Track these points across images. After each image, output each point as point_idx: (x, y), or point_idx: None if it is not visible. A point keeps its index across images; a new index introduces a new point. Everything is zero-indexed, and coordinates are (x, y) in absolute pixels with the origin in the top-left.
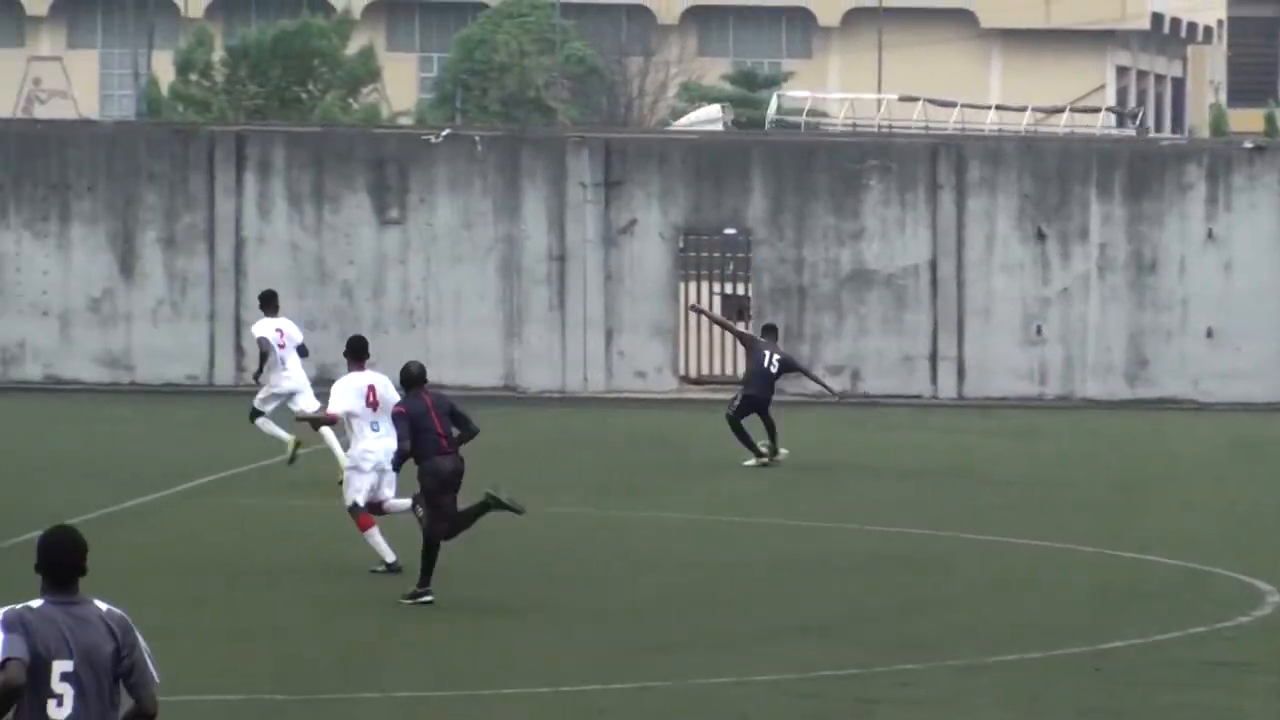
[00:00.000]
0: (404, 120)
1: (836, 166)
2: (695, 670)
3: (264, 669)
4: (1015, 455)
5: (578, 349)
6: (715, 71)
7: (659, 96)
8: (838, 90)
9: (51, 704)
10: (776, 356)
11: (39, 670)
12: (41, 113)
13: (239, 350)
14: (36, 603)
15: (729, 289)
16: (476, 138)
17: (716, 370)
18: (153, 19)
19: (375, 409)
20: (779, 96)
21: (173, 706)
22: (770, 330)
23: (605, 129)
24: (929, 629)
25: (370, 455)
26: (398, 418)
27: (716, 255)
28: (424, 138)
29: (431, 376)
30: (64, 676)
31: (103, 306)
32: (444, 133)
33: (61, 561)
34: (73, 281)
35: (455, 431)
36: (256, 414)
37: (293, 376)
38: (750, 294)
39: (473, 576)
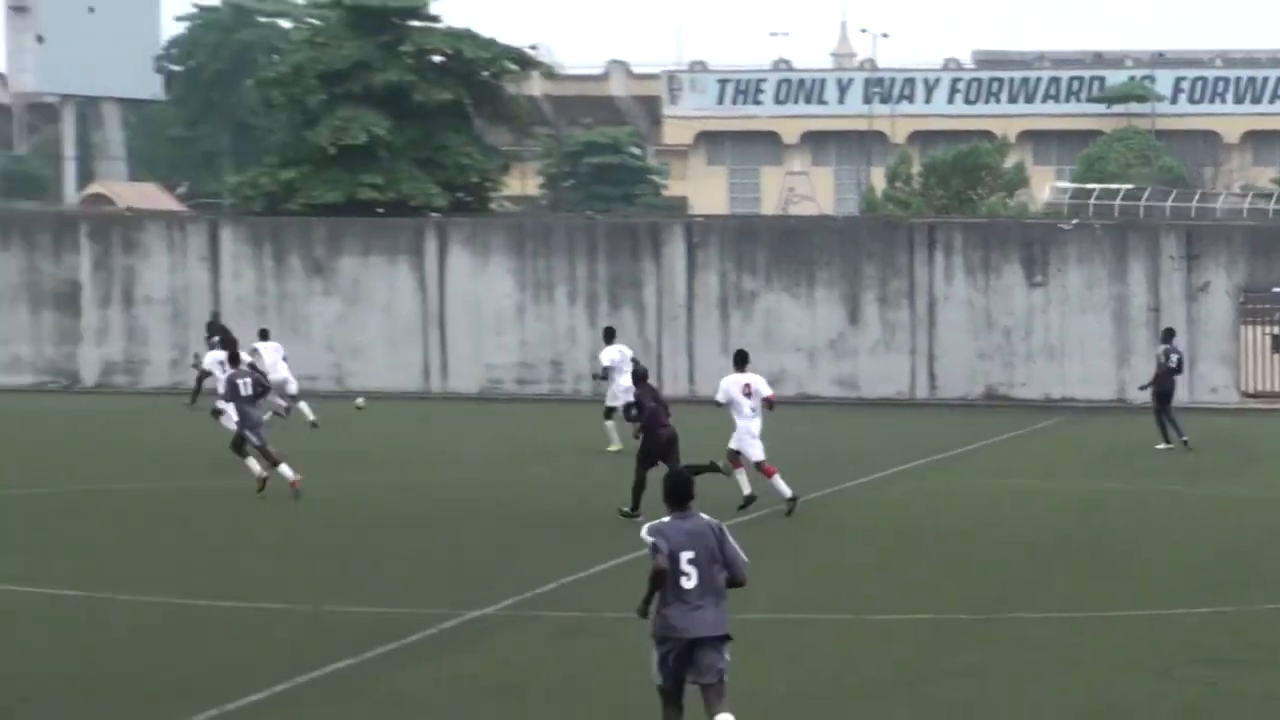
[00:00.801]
0: (1045, 214)
1: None
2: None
3: (944, 599)
4: None
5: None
6: (1266, 175)
7: (1225, 193)
8: None
9: (683, 579)
10: None
11: (674, 559)
12: (794, 211)
13: (931, 374)
14: (666, 519)
15: (1277, 330)
16: (1097, 226)
17: (1272, 386)
18: (870, 144)
19: (749, 397)
20: None
21: (885, 625)
22: None
23: (1186, 219)
24: None
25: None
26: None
27: (1266, 306)
28: (1059, 226)
29: (1063, 394)
30: (689, 561)
31: (837, 345)
32: (1073, 222)
33: (680, 492)
34: (817, 328)
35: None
36: None
37: None
38: None
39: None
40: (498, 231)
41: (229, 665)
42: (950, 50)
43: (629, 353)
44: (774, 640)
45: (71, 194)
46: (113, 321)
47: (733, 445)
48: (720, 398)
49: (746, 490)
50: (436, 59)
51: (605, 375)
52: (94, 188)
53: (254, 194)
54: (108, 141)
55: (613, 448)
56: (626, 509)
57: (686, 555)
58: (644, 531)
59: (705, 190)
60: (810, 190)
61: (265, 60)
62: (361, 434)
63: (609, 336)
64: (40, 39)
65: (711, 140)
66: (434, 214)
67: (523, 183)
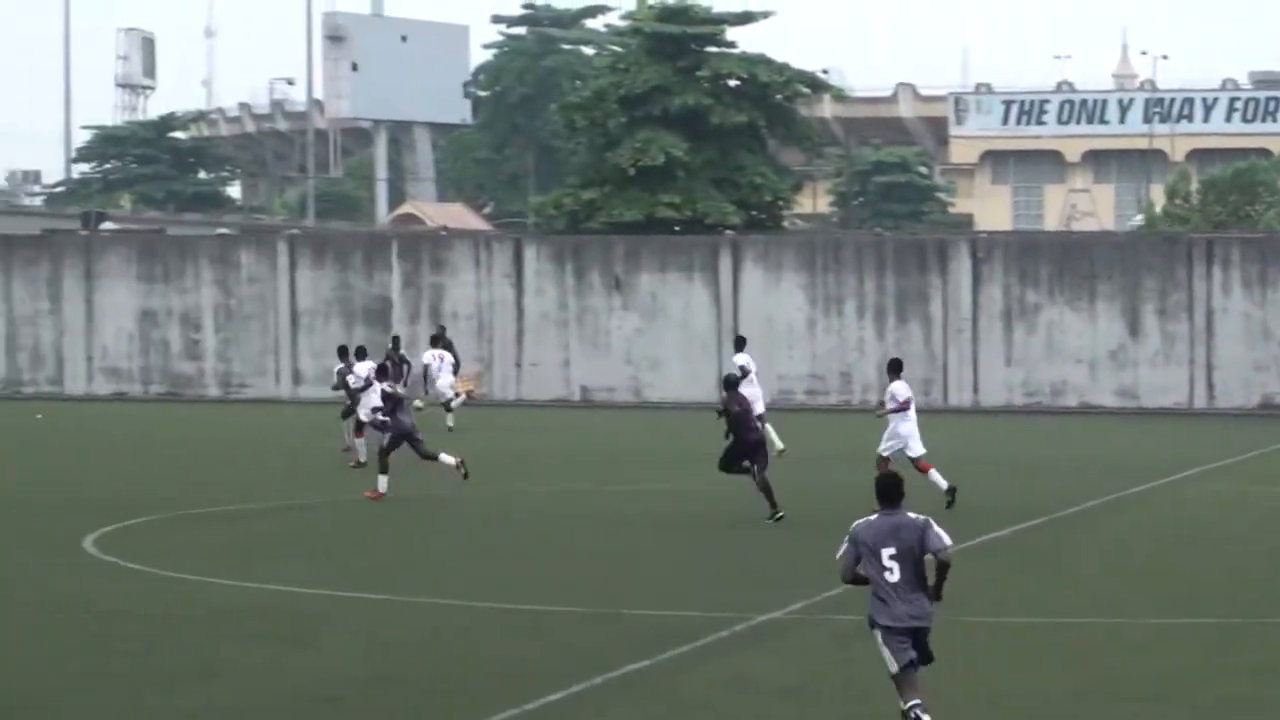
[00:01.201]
0: None
1: None
2: None
3: (1224, 603)
4: None
5: None
6: None
7: None
8: None
9: (886, 574)
10: None
11: (875, 555)
12: (1076, 227)
13: (1209, 385)
14: (873, 517)
15: None
16: None
17: None
18: (1150, 162)
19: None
20: None
21: (1165, 628)
22: None
23: None
24: None
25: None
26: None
27: None
28: None
29: None
30: (890, 556)
31: (1117, 356)
32: None
33: (890, 491)
34: (1098, 340)
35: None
36: None
37: None
38: None
39: None
40: (789, 248)
41: (527, 666)
42: (1228, 71)
43: (752, 366)
44: (1056, 643)
45: (383, 214)
46: (421, 336)
47: (884, 450)
48: (903, 396)
49: (945, 484)
50: (732, 83)
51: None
52: (404, 208)
53: (557, 213)
54: (418, 164)
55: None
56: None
57: (888, 551)
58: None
59: (990, 207)
60: (1091, 206)
61: (569, 85)
62: (658, 440)
63: (740, 345)
64: (355, 67)
65: (996, 159)
66: (729, 231)
67: (814, 201)
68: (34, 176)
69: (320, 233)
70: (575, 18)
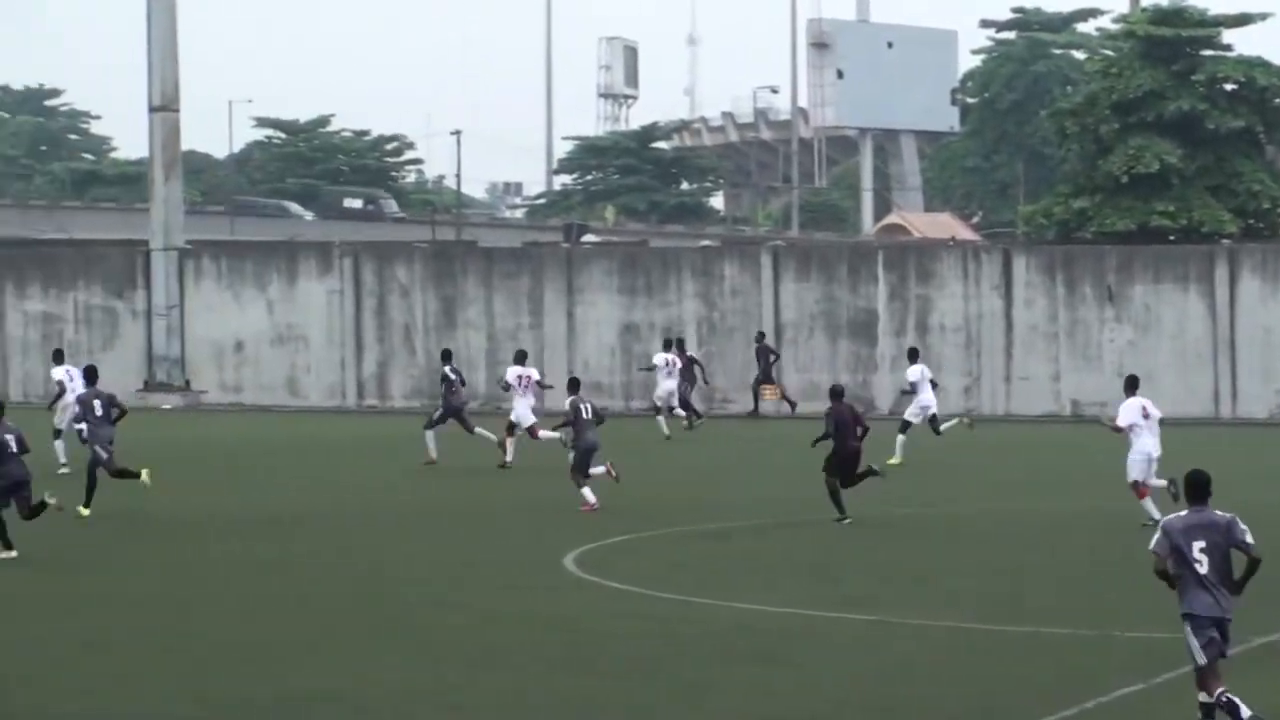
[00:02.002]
0: None
1: None
2: None
3: None
4: None
5: None
6: None
7: None
8: None
9: (1197, 566)
10: None
11: (1182, 551)
12: None
13: None
14: (1183, 512)
15: None
16: None
17: None
18: None
19: (1146, 420)
20: None
21: None
22: None
23: None
24: None
25: (1144, 449)
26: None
27: None
28: None
29: None
30: (1200, 550)
31: None
32: None
33: (1198, 490)
34: None
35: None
36: None
37: None
38: None
39: None
40: None
41: (1020, 690)
42: None
43: (929, 373)
44: None
45: (868, 224)
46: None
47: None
48: (1122, 422)
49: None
50: (1229, 87)
51: (912, 390)
52: (890, 218)
53: (1047, 222)
54: (904, 172)
55: (893, 461)
56: (836, 516)
57: (1198, 545)
58: (1159, 526)
59: None
60: None
61: (1059, 91)
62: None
63: (913, 357)
64: (840, 74)
65: None
66: (1225, 241)
67: None
68: (515, 188)
69: (804, 244)
70: (1066, 21)
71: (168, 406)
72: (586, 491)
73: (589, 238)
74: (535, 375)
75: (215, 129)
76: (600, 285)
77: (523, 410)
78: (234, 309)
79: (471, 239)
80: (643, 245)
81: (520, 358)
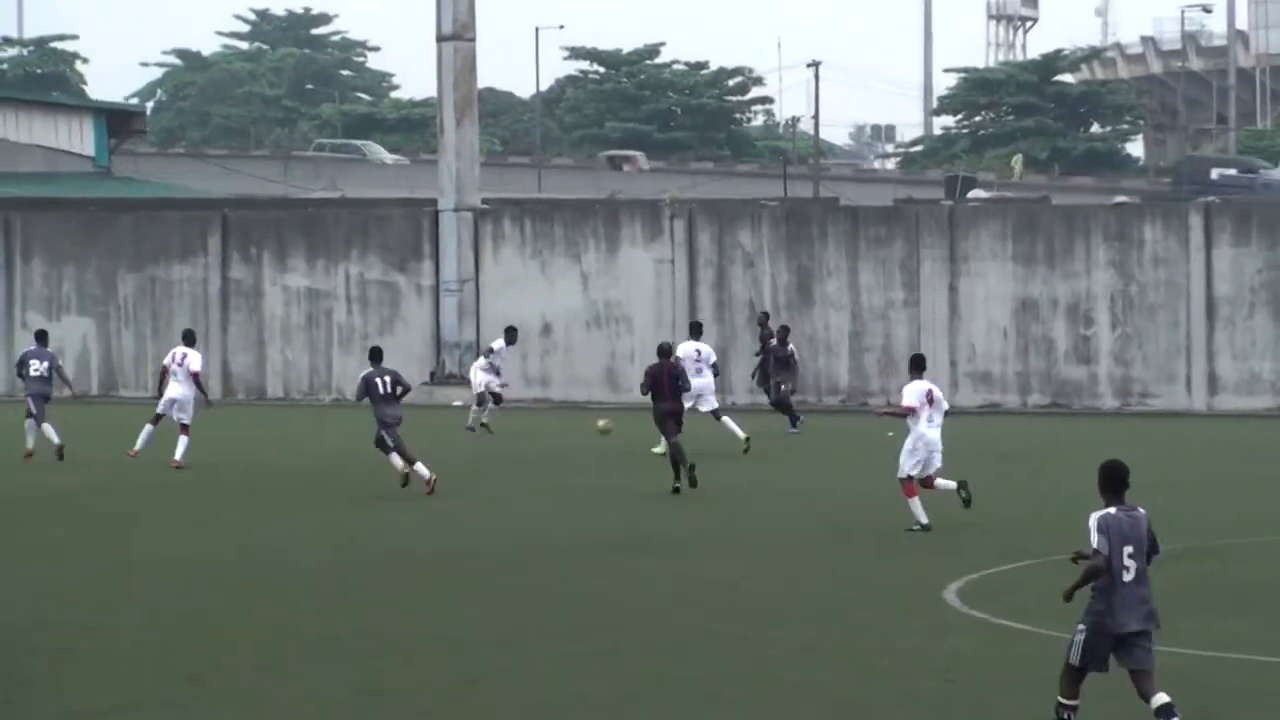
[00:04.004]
0: None
1: None
2: None
3: None
4: None
5: None
6: None
7: None
8: None
9: (1124, 573)
10: None
11: (1115, 553)
12: None
13: None
14: (1111, 510)
15: None
16: None
17: None
18: None
19: (931, 406)
20: None
21: None
22: None
23: None
24: None
25: (924, 440)
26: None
27: None
28: None
29: None
30: (1129, 555)
31: None
32: None
33: (1118, 483)
34: None
35: None
36: None
37: None
38: None
39: None
40: None
41: None
42: None
43: None
44: None
45: None
46: None
47: None
48: None
49: None
50: None
51: None
52: None
53: None
54: None
55: None
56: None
57: (1128, 549)
58: (1091, 521)
59: None
60: None
61: None
62: None
63: None
64: None
65: None
66: None
67: None
68: (886, 133)
69: (1245, 202)
70: None
71: (458, 403)
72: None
73: (976, 193)
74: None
75: (519, 62)
76: (990, 252)
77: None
78: (540, 283)
79: (832, 195)
80: (1043, 202)
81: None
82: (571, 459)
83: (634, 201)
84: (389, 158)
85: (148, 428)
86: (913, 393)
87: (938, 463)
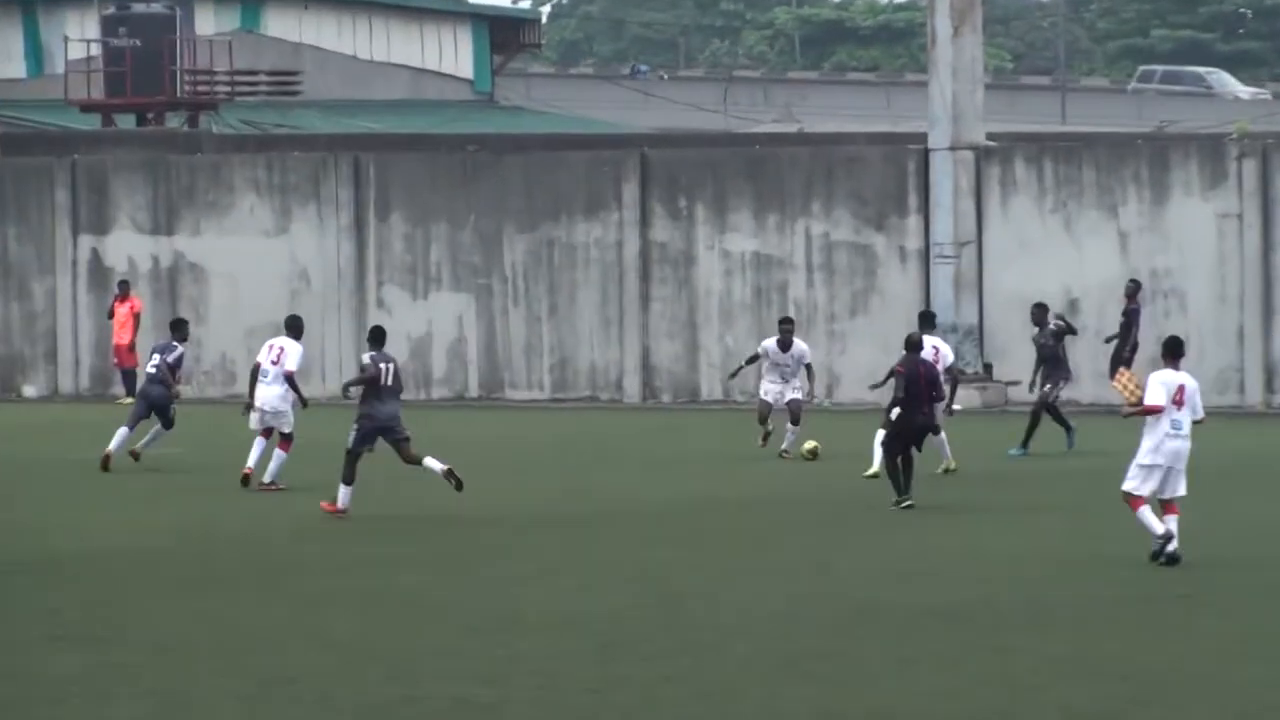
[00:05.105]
0: None
1: None
2: None
3: None
4: None
5: None
6: None
7: None
8: None
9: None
10: None
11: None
12: None
13: None
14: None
15: None
16: None
17: None
18: None
19: (1180, 407)
20: None
21: None
22: None
23: None
24: None
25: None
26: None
27: None
28: None
29: None
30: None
31: None
32: None
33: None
34: None
35: None
36: None
37: None
38: None
39: None
40: None
41: None
42: None
43: None
44: None
45: None
46: None
47: None
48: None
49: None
50: None
51: None
52: None
53: None
54: None
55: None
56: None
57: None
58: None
59: None
60: None
61: None
62: None
63: None
64: None
65: None
66: None
67: None
68: None
69: None
70: None
71: (957, 407)
72: None
73: None
74: None
75: None
76: None
77: None
78: (1065, 245)
79: None
80: None
81: None
82: None
83: (1189, 136)
84: (1243, 90)
85: (258, 441)
86: (1159, 386)
87: (1181, 487)
